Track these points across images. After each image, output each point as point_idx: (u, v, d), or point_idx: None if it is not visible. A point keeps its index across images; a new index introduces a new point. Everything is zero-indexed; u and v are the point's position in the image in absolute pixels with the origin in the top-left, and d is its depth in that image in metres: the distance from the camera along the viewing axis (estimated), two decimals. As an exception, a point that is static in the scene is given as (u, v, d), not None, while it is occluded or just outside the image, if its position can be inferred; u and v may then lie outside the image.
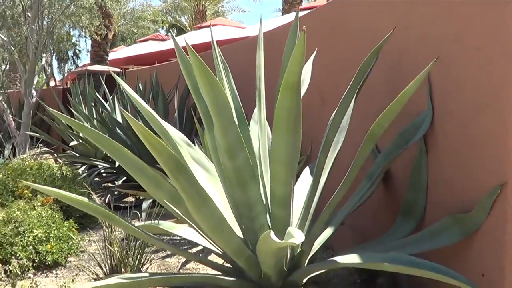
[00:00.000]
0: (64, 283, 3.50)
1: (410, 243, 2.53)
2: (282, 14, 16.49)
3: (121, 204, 5.57)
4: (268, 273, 2.63)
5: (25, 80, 10.78)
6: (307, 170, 3.46)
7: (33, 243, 3.86)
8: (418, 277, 2.24)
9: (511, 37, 2.02)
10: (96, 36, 12.58)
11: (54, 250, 3.92)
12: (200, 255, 3.92)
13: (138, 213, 4.41)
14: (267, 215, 2.73)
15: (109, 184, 7.08)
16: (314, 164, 2.98)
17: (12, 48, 11.30)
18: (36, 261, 3.83)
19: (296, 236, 2.02)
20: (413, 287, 2.79)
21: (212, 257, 3.50)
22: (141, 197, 5.66)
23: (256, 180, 2.68)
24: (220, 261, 3.17)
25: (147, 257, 3.61)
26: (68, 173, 6.24)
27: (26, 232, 3.91)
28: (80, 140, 7.83)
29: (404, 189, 2.85)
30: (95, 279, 3.41)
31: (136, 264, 3.45)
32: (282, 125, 2.36)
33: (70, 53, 28.82)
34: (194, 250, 4.17)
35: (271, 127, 2.46)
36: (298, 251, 2.73)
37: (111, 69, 12.40)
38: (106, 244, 3.42)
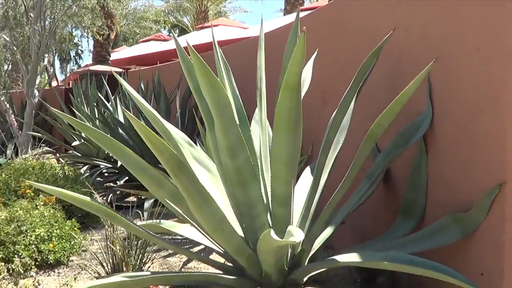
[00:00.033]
0: (66, 281, 3.52)
1: (410, 242, 2.55)
2: (284, 15, 16.53)
3: (123, 204, 5.57)
4: (268, 272, 2.64)
5: (27, 80, 10.79)
6: (308, 169, 3.48)
7: (36, 242, 3.88)
8: (418, 276, 2.26)
9: (510, 37, 2.03)
10: (98, 36, 12.59)
11: (56, 249, 3.94)
12: (202, 254, 3.94)
13: (140, 212, 4.42)
14: (268, 214, 2.75)
15: (111, 184, 7.10)
16: (314, 164, 3.00)
17: (15, 48, 11.32)
18: (39, 260, 3.85)
19: (296, 234, 2.04)
20: (413, 286, 2.80)
21: (214, 256, 3.52)
22: (143, 197, 5.68)
23: (257, 179, 2.70)
24: (221, 260, 3.19)
25: (149, 256, 3.63)
26: (70, 173, 6.26)
27: (28, 231, 3.93)
28: (82, 140, 7.85)
29: (404, 189, 2.86)
30: (97, 278, 3.43)
31: (137, 263, 3.47)
32: (283, 125, 2.38)
33: (72, 53, 28.85)
34: (195, 249, 4.19)
35: (273, 127, 2.48)
36: (299, 250, 2.75)
37: (113, 69, 12.43)
38: (108, 243, 3.44)
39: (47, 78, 12.60)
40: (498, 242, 2.09)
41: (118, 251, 3.39)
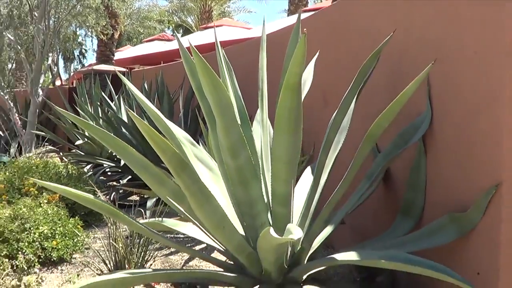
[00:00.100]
0: (69, 278, 3.56)
1: (409, 241, 2.58)
2: (288, 15, 16.54)
3: (125, 203, 5.61)
4: (268, 270, 2.67)
5: (31, 79, 10.85)
6: (308, 169, 3.51)
7: (39, 240, 3.93)
8: (417, 276, 2.28)
9: (507, 37, 2.06)
10: (102, 36, 12.64)
11: (60, 247, 3.98)
12: (203, 252, 3.97)
13: (142, 211, 4.46)
14: (268, 213, 2.78)
15: (114, 183, 7.13)
16: (315, 164, 3.03)
17: (19, 47, 11.37)
18: (42, 257, 3.89)
19: (295, 232, 2.07)
20: (412, 285, 2.82)
21: (215, 255, 3.55)
22: (145, 196, 5.71)
23: (257, 178, 2.73)
24: (222, 258, 3.22)
25: (151, 254, 3.66)
26: (73, 172, 6.30)
27: (32, 228, 3.97)
28: (86, 139, 7.88)
29: (404, 189, 2.89)
30: (100, 275, 3.46)
31: (140, 261, 3.50)
32: (283, 125, 2.41)
33: (76, 53, 28.81)
34: (197, 247, 4.22)
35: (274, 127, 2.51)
36: (298, 248, 2.78)
37: (117, 68, 12.47)
38: (111, 241, 3.47)
39: (51, 77, 12.66)
40: (495, 242, 2.12)
41: (120, 248, 3.43)
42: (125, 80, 3.22)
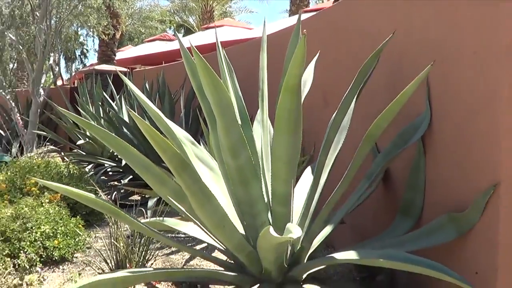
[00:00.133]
0: (71, 277, 3.58)
1: (408, 240, 2.59)
2: (289, 15, 16.57)
3: (127, 202, 5.62)
4: (268, 269, 2.69)
5: (33, 79, 10.87)
6: (308, 169, 3.52)
7: (41, 239, 3.94)
8: (416, 275, 2.30)
9: (504, 38, 2.07)
10: (103, 36, 12.67)
11: (61, 246, 4.00)
12: (204, 252, 3.99)
13: (143, 210, 4.48)
14: (269, 213, 2.79)
15: (115, 183, 7.15)
16: (315, 164, 3.04)
17: (21, 47, 11.40)
18: (44, 256, 3.91)
19: (294, 231, 2.08)
20: (411, 284, 2.84)
21: (216, 254, 3.56)
22: (146, 195, 5.73)
23: (258, 178, 2.75)
24: (223, 257, 3.23)
25: (152, 254, 3.68)
26: (75, 171, 6.32)
27: (34, 228, 3.99)
28: (87, 139, 7.90)
29: (403, 189, 2.90)
30: (101, 274, 3.48)
31: (141, 260, 3.52)
32: (283, 126, 2.42)
33: (78, 53, 28.90)
34: (198, 247, 4.24)
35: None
36: (298, 247, 2.80)
37: (119, 68, 12.48)
38: (112, 240, 3.49)
39: (52, 77, 12.68)
40: (492, 242, 2.13)
41: (121, 248, 3.44)
42: (126, 80, 3.24)
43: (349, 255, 2.42)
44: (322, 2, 15.90)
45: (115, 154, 7.23)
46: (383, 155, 2.93)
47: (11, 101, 11.28)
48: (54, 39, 11.09)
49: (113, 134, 2.82)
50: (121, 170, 7.20)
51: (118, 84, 8.94)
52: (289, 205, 2.68)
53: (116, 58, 14.57)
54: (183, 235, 4.39)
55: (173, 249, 4.25)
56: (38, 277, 3.54)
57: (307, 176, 3.43)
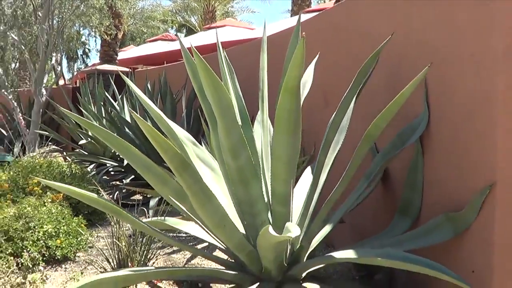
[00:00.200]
0: (73, 276, 3.61)
1: (406, 240, 2.62)
2: (291, 16, 16.60)
3: (128, 202, 5.67)
4: (268, 268, 2.72)
5: (35, 79, 10.90)
6: (308, 169, 3.55)
7: (43, 238, 3.97)
8: (414, 274, 2.32)
9: (500, 43, 2.10)
10: (105, 35, 12.68)
11: (64, 245, 4.02)
12: (205, 251, 4.02)
13: (145, 210, 4.51)
14: (269, 212, 2.82)
15: (117, 182, 7.17)
16: (315, 164, 3.06)
17: (23, 47, 11.41)
18: (46, 255, 3.93)
19: (293, 230, 2.11)
20: (410, 284, 2.86)
21: (217, 253, 3.59)
22: (148, 195, 5.75)
23: (258, 178, 2.77)
24: (224, 256, 3.26)
25: (153, 253, 3.70)
26: (77, 171, 6.34)
27: (36, 227, 4.01)
28: (89, 139, 7.92)
29: (402, 189, 2.93)
30: (103, 273, 3.51)
31: (142, 259, 3.54)
32: (283, 126, 2.45)
33: (80, 52, 28.87)
34: (199, 246, 4.26)
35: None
36: (298, 246, 2.82)
37: (120, 68, 12.51)
38: (114, 239, 3.51)
39: (54, 77, 12.69)
40: (488, 241, 2.16)
41: (123, 247, 3.47)
42: (128, 81, 3.26)
43: (348, 254, 2.45)
44: (324, 2, 15.91)
45: (117, 154, 7.26)
46: (382, 155, 2.96)
47: (13, 101, 11.31)
48: (56, 39, 11.11)
49: (115, 135, 2.85)
50: (123, 170, 7.23)
51: (120, 84, 8.98)
52: (288, 205, 2.71)
53: (118, 58, 14.58)
54: (184, 235, 4.42)
55: (175, 248, 4.27)
56: (41, 276, 3.56)
57: (307, 176, 3.46)
